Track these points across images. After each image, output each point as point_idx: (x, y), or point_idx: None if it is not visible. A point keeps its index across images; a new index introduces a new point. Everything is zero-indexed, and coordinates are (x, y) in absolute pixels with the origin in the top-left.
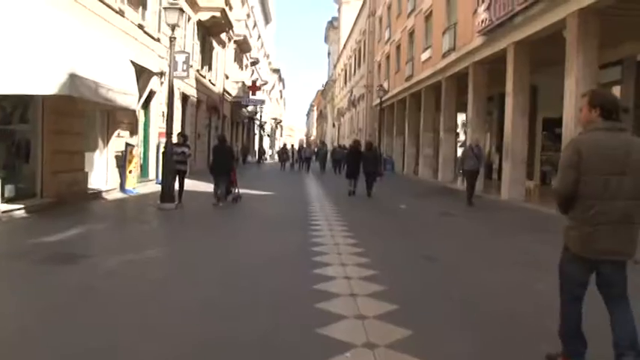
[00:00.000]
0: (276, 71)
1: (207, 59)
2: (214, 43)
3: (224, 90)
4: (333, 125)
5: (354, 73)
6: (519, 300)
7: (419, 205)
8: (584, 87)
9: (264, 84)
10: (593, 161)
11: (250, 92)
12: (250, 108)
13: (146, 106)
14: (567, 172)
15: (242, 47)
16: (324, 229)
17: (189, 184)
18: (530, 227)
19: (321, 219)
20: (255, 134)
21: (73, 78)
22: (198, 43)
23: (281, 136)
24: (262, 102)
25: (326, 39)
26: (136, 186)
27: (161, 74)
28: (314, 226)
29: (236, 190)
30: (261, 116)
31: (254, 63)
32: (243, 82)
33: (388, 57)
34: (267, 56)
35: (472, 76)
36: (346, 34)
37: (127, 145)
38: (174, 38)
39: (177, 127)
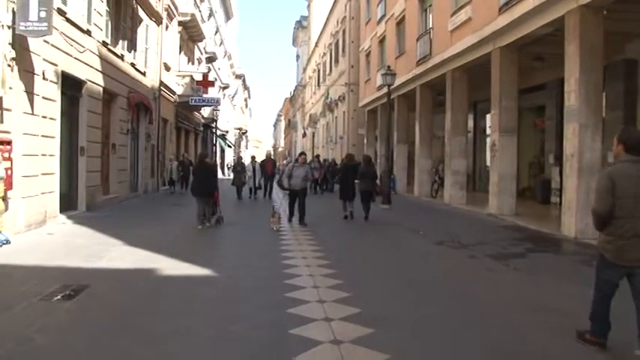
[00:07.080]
0: (240, 77)
1: (125, 31)
2: (142, 13)
3: (161, 84)
4: (304, 135)
5: (330, 72)
6: None
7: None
8: None
9: (226, 87)
10: (623, 187)
11: (202, 91)
12: (207, 113)
13: None
14: (604, 196)
15: (191, 33)
16: None
17: (69, 231)
18: None
19: None
20: (214, 145)
21: None
22: (104, 1)
23: (247, 148)
24: (217, 101)
25: (294, 41)
26: None
27: None
28: None
29: (219, 212)
30: (216, 122)
31: (211, 59)
32: (191, 76)
33: (383, 40)
34: (229, 56)
35: (580, 31)
36: (317, 32)
37: None
38: None
39: (50, 131)
